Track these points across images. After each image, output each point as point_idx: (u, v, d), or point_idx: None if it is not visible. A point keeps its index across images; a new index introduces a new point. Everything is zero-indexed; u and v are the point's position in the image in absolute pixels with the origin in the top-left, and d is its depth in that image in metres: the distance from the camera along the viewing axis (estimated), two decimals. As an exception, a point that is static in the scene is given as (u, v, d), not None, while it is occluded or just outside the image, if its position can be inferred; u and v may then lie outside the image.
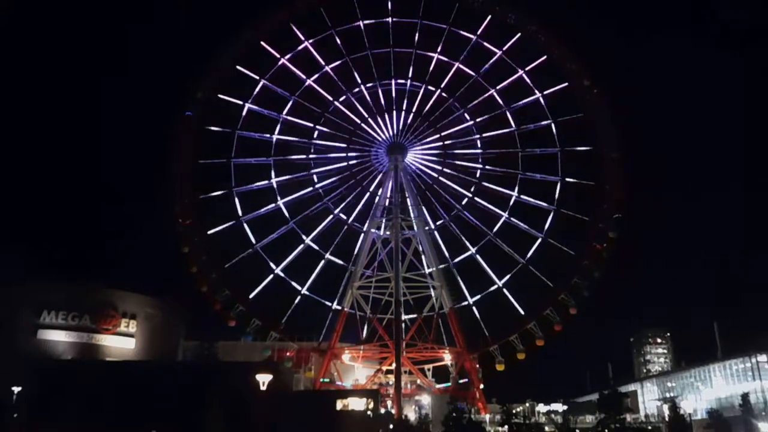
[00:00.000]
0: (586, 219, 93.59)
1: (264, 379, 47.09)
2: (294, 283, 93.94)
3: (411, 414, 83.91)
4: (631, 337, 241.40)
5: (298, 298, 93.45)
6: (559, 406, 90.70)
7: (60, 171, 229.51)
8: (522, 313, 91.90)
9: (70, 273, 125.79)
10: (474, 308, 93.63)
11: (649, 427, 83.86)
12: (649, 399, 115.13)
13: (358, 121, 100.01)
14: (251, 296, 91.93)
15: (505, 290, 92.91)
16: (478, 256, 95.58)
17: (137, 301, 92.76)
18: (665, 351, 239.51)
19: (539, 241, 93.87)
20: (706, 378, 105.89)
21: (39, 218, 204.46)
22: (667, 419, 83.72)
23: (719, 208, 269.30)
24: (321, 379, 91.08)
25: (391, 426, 75.38)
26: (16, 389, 66.52)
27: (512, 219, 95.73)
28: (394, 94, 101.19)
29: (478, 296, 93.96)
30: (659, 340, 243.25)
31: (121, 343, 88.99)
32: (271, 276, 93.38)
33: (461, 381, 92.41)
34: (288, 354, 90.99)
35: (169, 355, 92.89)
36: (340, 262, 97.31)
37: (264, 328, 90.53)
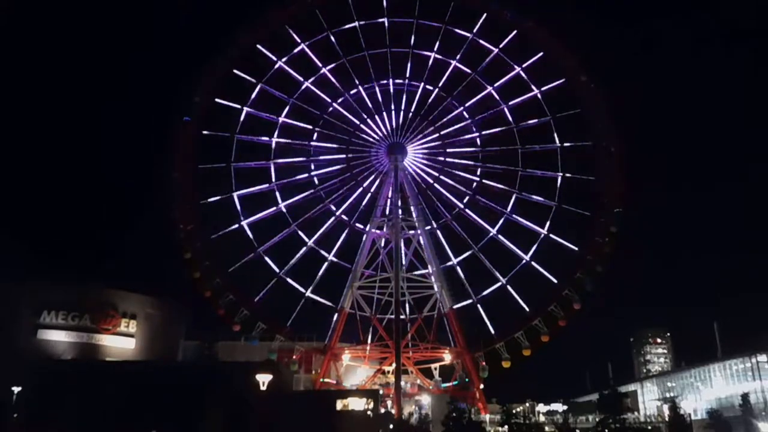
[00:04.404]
0: (587, 214, 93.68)
1: (264, 379, 47.23)
2: (298, 286, 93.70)
3: (408, 414, 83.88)
4: (631, 337, 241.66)
5: (303, 300, 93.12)
6: (559, 406, 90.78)
7: (60, 172, 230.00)
8: (527, 309, 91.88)
9: (70, 273, 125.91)
10: (479, 306, 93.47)
11: (649, 427, 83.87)
12: (649, 399, 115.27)
13: (357, 122, 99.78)
14: (255, 300, 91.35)
15: (509, 287, 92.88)
16: (480, 254, 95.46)
17: (137, 301, 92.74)
18: (665, 351, 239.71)
19: (541, 237, 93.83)
20: (706, 378, 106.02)
21: (40, 218, 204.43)
22: (667, 419, 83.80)
23: (719, 207, 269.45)
24: (324, 379, 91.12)
25: (391, 426, 75.47)
26: (16, 389, 66.28)
27: (514, 216, 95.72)
28: (392, 94, 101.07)
29: (482, 294, 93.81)
30: (659, 340, 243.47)
31: (121, 343, 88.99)
32: (275, 279, 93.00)
33: (466, 380, 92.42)
34: (295, 357, 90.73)
35: (169, 355, 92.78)
36: (344, 263, 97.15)
37: (269, 331, 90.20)
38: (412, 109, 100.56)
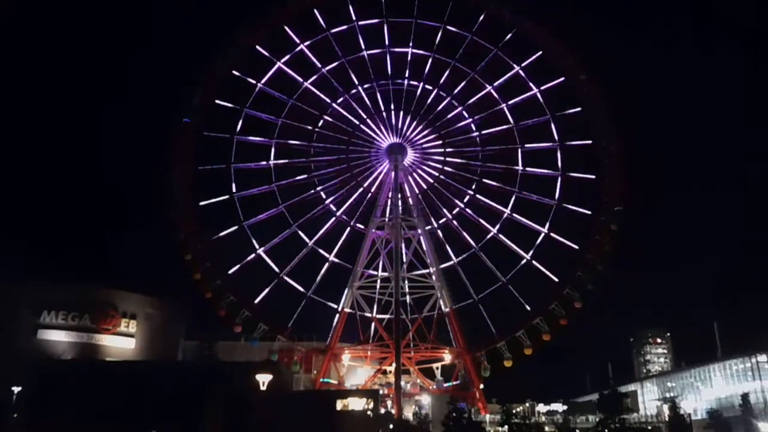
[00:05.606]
0: (587, 213, 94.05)
1: (264, 379, 47.35)
2: (298, 287, 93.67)
3: (411, 414, 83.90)
4: (631, 337, 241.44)
5: (304, 301, 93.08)
6: (559, 406, 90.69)
7: (60, 172, 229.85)
8: (528, 308, 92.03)
9: (70, 273, 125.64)
10: (480, 305, 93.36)
11: (649, 427, 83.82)
12: (649, 399, 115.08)
13: (357, 123, 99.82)
14: (256, 301, 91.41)
15: (510, 286, 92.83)
16: (481, 254, 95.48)
17: (137, 301, 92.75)
18: (665, 351, 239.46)
19: (542, 236, 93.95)
20: (706, 378, 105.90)
21: (40, 218, 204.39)
22: (667, 419, 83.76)
23: (719, 207, 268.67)
24: (324, 379, 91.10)
25: (391, 426, 75.46)
26: (16, 389, 66.37)
27: (514, 215, 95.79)
28: (391, 94, 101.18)
29: (483, 293, 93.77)
30: (659, 340, 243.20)
31: (121, 343, 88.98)
32: (276, 280, 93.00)
33: (467, 380, 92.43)
34: (296, 358, 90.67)
35: (169, 355, 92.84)
36: (345, 264, 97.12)
37: (270, 332, 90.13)
38: (412, 109, 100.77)
